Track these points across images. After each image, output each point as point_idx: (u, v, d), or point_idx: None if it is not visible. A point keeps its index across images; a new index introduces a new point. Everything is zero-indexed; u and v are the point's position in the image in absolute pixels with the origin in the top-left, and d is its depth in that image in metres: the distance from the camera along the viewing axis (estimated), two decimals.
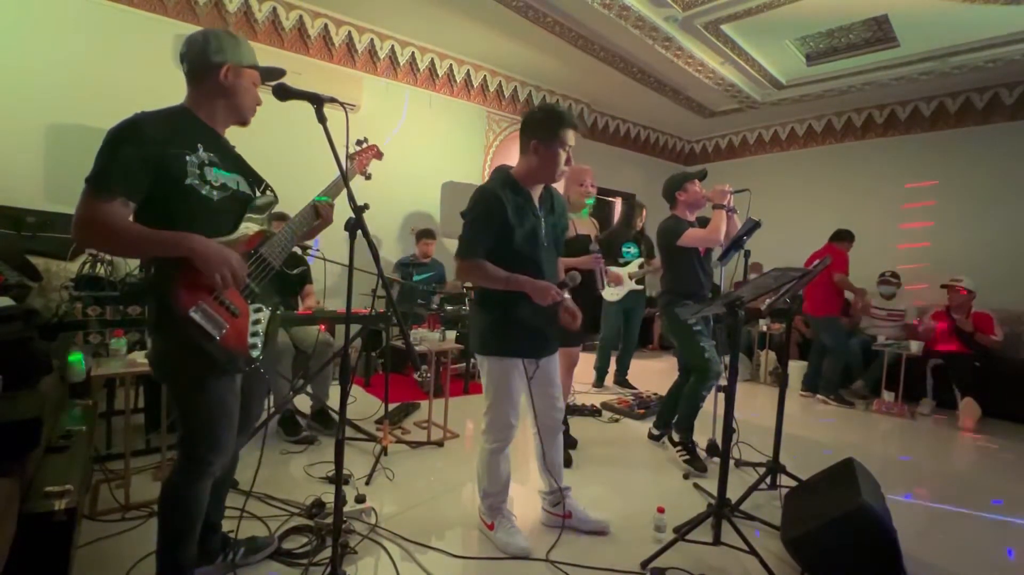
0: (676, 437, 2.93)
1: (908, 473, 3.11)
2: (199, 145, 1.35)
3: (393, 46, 4.95)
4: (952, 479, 3.10)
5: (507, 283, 1.83)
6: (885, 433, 3.94)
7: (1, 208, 3.24)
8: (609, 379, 4.74)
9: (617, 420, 3.75)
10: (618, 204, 7.28)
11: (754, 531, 2.14)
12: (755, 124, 6.98)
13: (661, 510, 2.12)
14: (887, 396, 4.45)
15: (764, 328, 5.30)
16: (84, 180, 1.21)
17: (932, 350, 4.50)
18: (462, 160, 5.59)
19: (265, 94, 1.50)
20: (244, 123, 1.50)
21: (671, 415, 3.02)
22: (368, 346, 4.38)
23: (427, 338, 3.26)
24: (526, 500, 2.35)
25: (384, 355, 3.97)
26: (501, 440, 1.96)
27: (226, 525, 1.75)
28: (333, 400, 3.06)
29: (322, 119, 1.42)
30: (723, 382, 2.30)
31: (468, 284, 4.24)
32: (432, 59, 5.21)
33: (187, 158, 1.31)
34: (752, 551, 1.82)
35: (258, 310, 1.44)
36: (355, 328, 1.63)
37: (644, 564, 1.87)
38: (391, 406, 3.25)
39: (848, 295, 4.86)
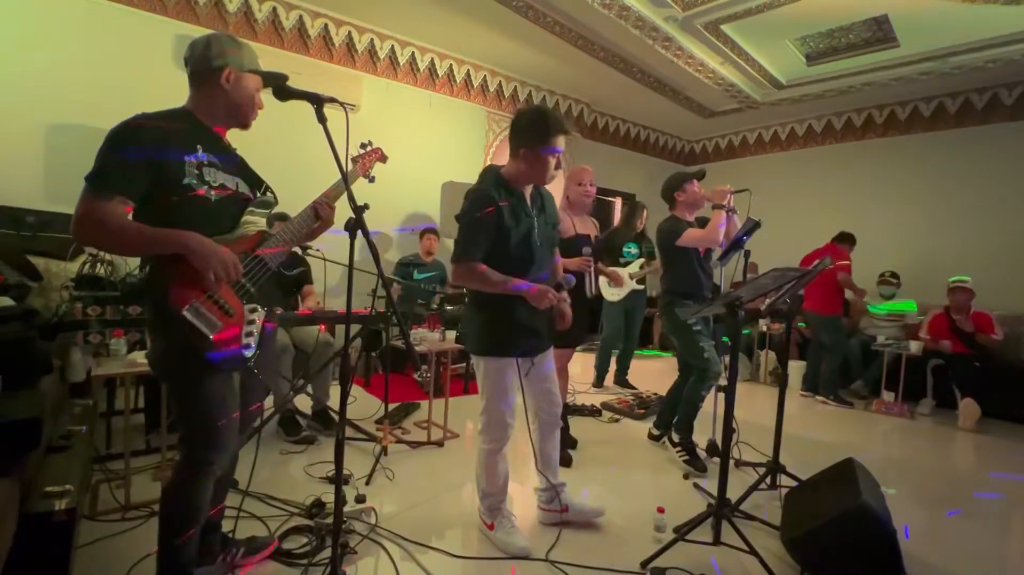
0: (676, 437, 2.93)
1: (908, 473, 3.11)
2: (198, 146, 1.36)
3: (393, 46, 4.95)
4: (952, 479, 3.10)
5: (505, 287, 1.83)
6: (885, 433, 3.94)
7: (1, 208, 3.24)
8: (609, 379, 4.74)
9: (617, 420, 3.75)
10: (618, 204, 7.29)
11: (753, 531, 2.14)
12: (755, 124, 6.98)
13: (661, 510, 2.12)
14: (887, 396, 4.45)
15: (764, 328, 5.30)
16: (84, 179, 1.23)
17: (932, 350, 4.50)
18: (462, 160, 5.59)
19: (265, 95, 1.51)
20: (245, 127, 1.51)
21: (671, 415, 3.02)
22: (368, 346, 4.38)
23: (427, 338, 3.26)
24: (525, 500, 2.35)
25: (384, 355, 3.97)
26: (498, 440, 1.97)
27: (226, 525, 1.75)
28: (333, 400, 3.06)
29: (322, 119, 1.43)
30: (723, 382, 2.30)
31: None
32: (432, 59, 5.21)
33: (186, 158, 1.32)
34: (752, 551, 1.82)
35: (253, 310, 1.44)
36: (355, 328, 1.63)
37: (644, 564, 1.87)
38: (391, 406, 3.25)
39: (848, 294, 4.86)
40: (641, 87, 5.72)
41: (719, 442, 2.70)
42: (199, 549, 1.54)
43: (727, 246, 2.68)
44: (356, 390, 4.00)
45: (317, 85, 2.02)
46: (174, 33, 3.94)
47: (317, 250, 2.77)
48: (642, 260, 4.49)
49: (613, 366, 4.76)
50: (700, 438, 2.97)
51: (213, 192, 1.37)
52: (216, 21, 4.10)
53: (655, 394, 4.25)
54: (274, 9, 4.28)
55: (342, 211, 1.51)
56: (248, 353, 1.41)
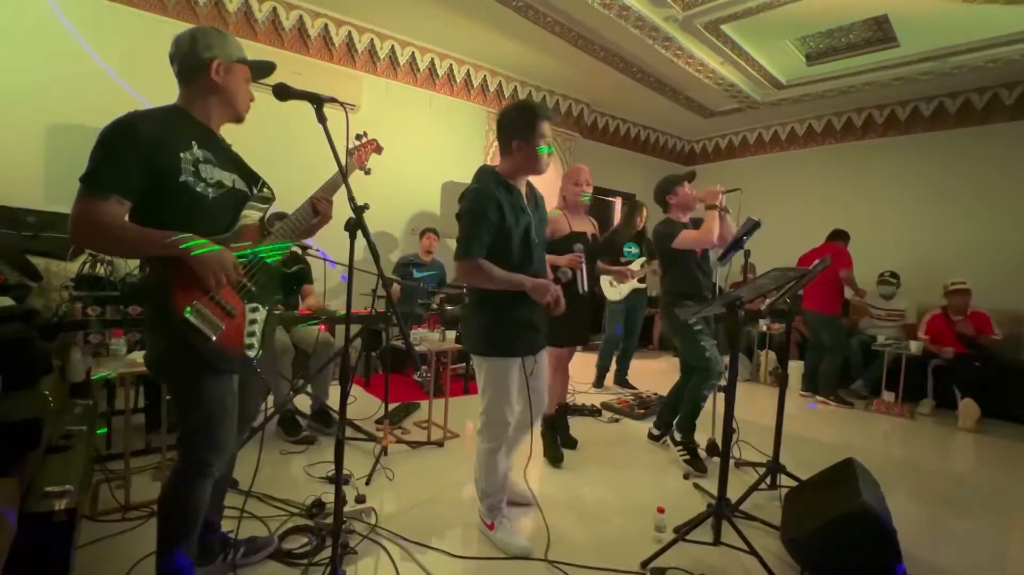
0: (677, 437, 2.93)
1: (908, 473, 3.11)
2: (193, 142, 1.34)
3: (393, 46, 4.95)
4: (952, 479, 3.10)
5: (508, 282, 1.84)
6: (885, 433, 3.94)
7: (1, 208, 3.24)
8: (609, 379, 4.74)
9: (617, 420, 3.75)
10: (618, 204, 7.29)
11: (753, 531, 2.14)
12: (755, 124, 6.98)
13: (661, 510, 2.12)
14: (887, 396, 4.45)
15: (764, 328, 5.30)
16: (79, 180, 1.21)
17: (932, 350, 4.50)
18: (462, 160, 5.58)
19: (262, 93, 1.49)
20: (239, 120, 1.50)
21: (672, 415, 3.02)
22: (368, 346, 4.38)
23: (427, 338, 3.26)
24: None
25: (384, 355, 3.97)
26: (497, 439, 1.97)
27: (226, 525, 1.75)
28: (333, 400, 3.06)
29: (322, 119, 1.42)
30: (723, 382, 2.30)
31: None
32: (432, 59, 5.21)
33: (181, 155, 1.30)
34: (752, 551, 1.82)
35: (254, 309, 1.44)
36: (355, 328, 1.63)
37: (644, 564, 1.87)
38: (391, 406, 3.25)
39: (848, 294, 4.86)
40: (641, 87, 5.72)
41: (719, 442, 2.70)
42: (199, 549, 1.54)
43: (727, 246, 2.68)
44: (356, 390, 4.00)
45: (317, 85, 2.03)
46: (174, 33, 3.91)
47: (317, 251, 2.77)
48: (643, 259, 4.49)
49: (613, 366, 4.77)
50: (700, 438, 2.97)
51: (210, 189, 1.35)
52: (216, 21, 4.10)
53: (655, 394, 4.25)
54: (274, 9, 4.28)
55: (342, 211, 1.51)
56: (251, 354, 1.40)
